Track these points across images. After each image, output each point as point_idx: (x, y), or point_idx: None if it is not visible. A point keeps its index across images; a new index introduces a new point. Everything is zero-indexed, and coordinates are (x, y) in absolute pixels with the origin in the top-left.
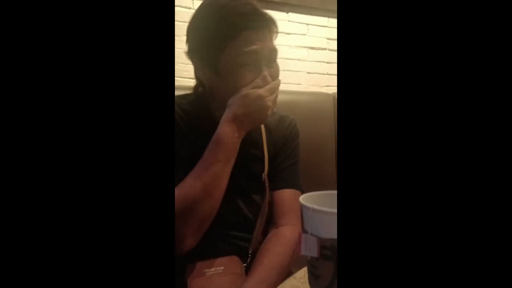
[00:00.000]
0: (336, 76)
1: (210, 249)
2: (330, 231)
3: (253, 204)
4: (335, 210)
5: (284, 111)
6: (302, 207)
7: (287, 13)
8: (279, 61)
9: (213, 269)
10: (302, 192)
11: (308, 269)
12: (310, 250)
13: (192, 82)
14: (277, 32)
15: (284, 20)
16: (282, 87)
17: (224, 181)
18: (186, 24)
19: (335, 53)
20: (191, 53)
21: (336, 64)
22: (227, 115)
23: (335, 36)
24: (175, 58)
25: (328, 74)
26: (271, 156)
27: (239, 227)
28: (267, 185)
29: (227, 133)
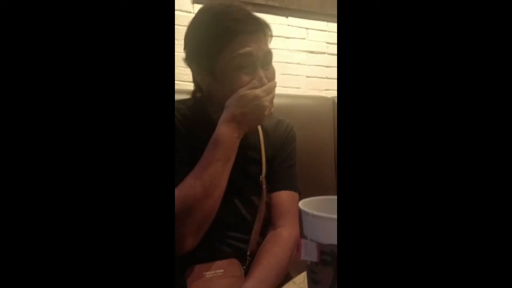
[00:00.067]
0: (335, 80)
1: (208, 250)
2: (330, 236)
3: (251, 205)
4: (335, 216)
5: (283, 115)
6: (302, 212)
7: (287, 17)
8: (278, 65)
9: (212, 272)
10: (300, 194)
11: (308, 274)
12: (310, 255)
13: (191, 86)
14: (271, 36)
15: (283, 25)
16: (281, 91)
17: (223, 181)
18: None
19: (335, 57)
20: (188, 60)
21: (335, 68)
22: (225, 115)
23: (334, 40)
24: (175, 62)
25: (327, 78)
26: (268, 159)
27: (237, 228)
28: (264, 186)
29: (226, 133)
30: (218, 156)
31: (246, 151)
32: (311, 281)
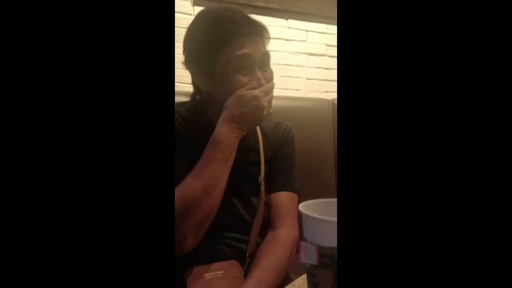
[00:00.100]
0: (335, 82)
1: (208, 250)
2: (330, 239)
3: (250, 206)
4: (335, 219)
5: (283, 117)
6: (302, 215)
7: (287, 19)
8: (278, 67)
9: (212, 273)
10: (299, 195)
11: (307, 277)
12: (310, 258)
13: (191, 88)
14: (269, 38)
15: (283, 27)
16: (281, 93)
17: (223, 181)
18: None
19: (334, 59)
20: (187, 62)
21: (335, 70)
22: (224, 116)
23: (334, 43)
24: (175, 64)
25: (327, 80)
26: (267, 160)
27: (236, 228)
28: (262, 187)
29: (225, 133)
30: (218, 156)
31: (245, 152)
32: (311, 283)
